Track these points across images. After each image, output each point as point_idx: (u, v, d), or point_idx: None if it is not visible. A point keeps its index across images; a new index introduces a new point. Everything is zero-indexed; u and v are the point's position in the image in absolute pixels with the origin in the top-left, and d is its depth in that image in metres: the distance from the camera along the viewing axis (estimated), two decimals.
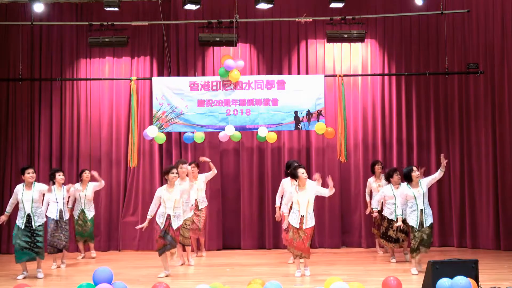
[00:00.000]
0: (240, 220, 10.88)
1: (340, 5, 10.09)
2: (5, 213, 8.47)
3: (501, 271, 8.24)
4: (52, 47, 11.14)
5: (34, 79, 10.93)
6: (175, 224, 8.21)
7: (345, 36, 10.38)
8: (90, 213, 9.95)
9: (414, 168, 8.26)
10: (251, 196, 10.95)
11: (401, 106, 11.05)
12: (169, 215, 8.19)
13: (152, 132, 10.34)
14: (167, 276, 8.22)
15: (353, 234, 10.96)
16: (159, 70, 11.15)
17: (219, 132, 10.50)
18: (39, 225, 8.31)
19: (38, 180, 10.75)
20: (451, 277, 6.27)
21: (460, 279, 6.17)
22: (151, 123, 10.64)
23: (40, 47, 11.12)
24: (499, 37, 10.36)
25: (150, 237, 10.90)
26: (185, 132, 10.60)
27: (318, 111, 10.54)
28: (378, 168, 9.96)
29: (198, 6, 9.94)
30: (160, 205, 8.30)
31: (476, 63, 10.40)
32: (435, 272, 6.40)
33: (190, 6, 9.89)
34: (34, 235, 8.26)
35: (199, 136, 10.47)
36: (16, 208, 8.43)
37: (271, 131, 10.49)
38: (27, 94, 11.04)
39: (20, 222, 8.27)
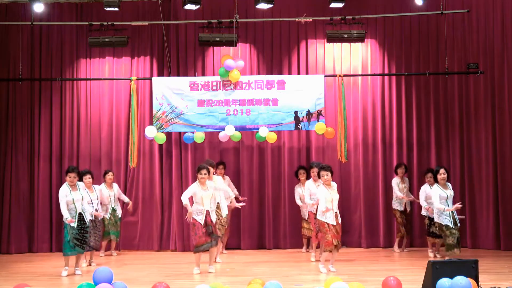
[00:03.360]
0: (240, 220, 10.88)
1: (340, 5, 10.09)
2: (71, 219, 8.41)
3: (501, 271, 8.24)
4: (52, 47, 11.13)
5: (34, 79, 10.93)
6: (214, 218, 8.45)
7: (345, 36, 10.37)
8: (120, 211, 10.19)
9: (441, 170, 8.81)
10: (251, 196, 10.94)
11: (401, 106, 11.05)
12: (208, 211, 8.37)
13: (151, 132, 10.34)
14: (200, 273, 8.40)
15: (353, 234, 10.96)
16: (159, 70, 11.15)
17: (219, 132, 10.50)
18: (90, 221, 8.63)
19: (38, 180, 10.86)
20: (451, 277, 6.26)
21: (460, 279, 6.17)
22: (151, 123, 10.64)
23: (40, 47, 11.11)
24: (499, 37, 10.35)
25: (150, 237, 10.94)
26: (185, 132, 10.60)
27: (318, 111, 10.54)
28: (400, 171, 10.29)
29: (198, 6, 9.94)
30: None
31: (476, 63, 10.39)
32: (435, 272, 6.40)
33: (190, 6, 9.89)
34: (83, 231, 8.45)
35: (199, 136, 10.47)
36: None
37: (271, 131, 10.49)
38: (27, 94, 11.04)
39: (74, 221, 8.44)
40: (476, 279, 6.53)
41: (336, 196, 8.32)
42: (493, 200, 10.29)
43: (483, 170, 10.44)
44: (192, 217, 8.36)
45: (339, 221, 8.37)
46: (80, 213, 8.40)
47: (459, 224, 8.72)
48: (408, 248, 10.39)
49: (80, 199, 8.41)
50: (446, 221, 8.67)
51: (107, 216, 9.83)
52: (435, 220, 8.96)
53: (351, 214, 11.00)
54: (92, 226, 9.03)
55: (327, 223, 8.22)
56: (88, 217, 8.54)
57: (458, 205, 8.75)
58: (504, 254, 9.73)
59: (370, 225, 10.91)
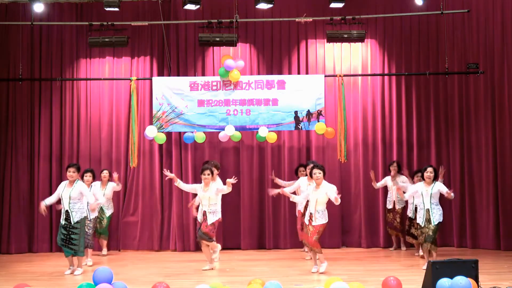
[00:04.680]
0: (240, 220, 10.88)
1: (340, 5, 10.09)
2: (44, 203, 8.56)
3: (501, 271, 8.24)
4: (52, 47, 11.13)
5: (34, 79, 10.93)
6: (211, 220, 8.53)
7: (345, 36, 10.38)
8: (108, 211, 10.15)
9: (428, 169, 8.65)
10: (251, 196, 10.95)
11: (401, 106, 11.05)
12: (205, 212, 8.55)
13: (151, 132, 10.34)
14: (211, 269, 8.59)
15: (353, 234, 10.96)
16: (159, 70, 11.15)
17: (219, 132, 10.50)
18: (76, 221, 8.39)
19: (38, 180, 10.86)
20: (451, 277, 6.27)
21: (460, 279, 6.17)
22: (151, 123, 10.65)
23: (40, 47, 11.11)
24: (499, 37, 10.36)
25: (150, 237, 10.94)
26: (185, 132, 10.61)
27: (318, 111, 10.54)
28: (392, 169, 10.33)
29: (198, 6, 9.94)
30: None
31: (476, 63, 10.39)
32: (435, 272, 6.40)
33: (190, 6, 9.89)
34: (70, 232, 8.36)
35: (200, 136, 10.47)
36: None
37: (271, 131, 10.49)
38: (27, 94, 11.04)
39: (62, 218, 8.44)
40: (476, 279, 6.53)
41: (314, 198, 8.18)
42: (493, 200, 10.29)
43: (483, 170, 10.43)
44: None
45: (314, 223, 8.14)
46: (67, 211, 8.37)
47: (433, 223, 8.45)
48: (408, 248, 10.38)
49: (67, 197, 8.35)
50: (420, 220, 8.63)
51: (96, 214, 9.74)
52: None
53: (351, 214, 11.00)
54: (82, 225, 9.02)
55: (304, 222, 8.37)
56: (76, 217, 8.38)
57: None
58: (504, 254, 9.73)
59: (370, 225, 10.91)
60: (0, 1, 10.64)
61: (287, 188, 9.31)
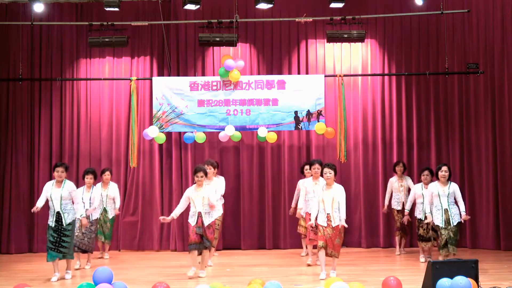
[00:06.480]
0: (240, 220, 10.89)
1: (340, 5, 10.09)
2: (37, 206, 8.13)
3: (501, 271, 8.24)
4: (52, 47, 11.13)
5: (34, 79, 10.93)
6: (207, 221, 8.15)
7: (345, 36, 10.38)
8: (111, 213, 9.87)
9: (443, 168, 8.49)
10: (251, 196, 10.95)
11: (401, 106, 11.06)
12: (200, 213, 8.15)
13: (153, 132, 10.35)
14: (194, 273, 8.19)
15: (353, 234, 10.95)
16: (159, 70, 11.15)
17: (219, 132, 10.50)
18: (69, 223, 8.07)
19: (38, 180, 10.86)
20: (451, 277, 6.27)
21: (460, 279, 6.18)
22: (151, 123, 10.65)
23: (40, 47, 11.12)
24: (499, 37, 10.36)
25: (150, 237, 10.94)
26: (185, 132, 10.61)
27: (318, 111, 10.55)
28: (398, 169, 10.13)
29: (198, 6, 9.94)
30: (189, 204, 8.26)
31: (476, 63, 10.39)
32: (435, 272, 6.40)
33: (190, 6, 9.89)
34: (61, 234, 8.05)
35: (200, 137, 10.48)
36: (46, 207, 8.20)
37: (271, 131, 10.49)
38: (27, 94, 11.04)
39: (50, 220, 8.08)
40: (476, 279, 6.53)
41: (329, 197, 7.93)
42: (493, 200, 10.29)
43: (483, 170, 10.44)
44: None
45: (333, 224, 7.88)
46: (58, 212, 8.04)
47: (453, 224, 8.35)
48: (408, 248, 10.38)
49: (58, 198, 8.02)
50: (438, 221, 8.46)
51: (98, 216, 9.50)
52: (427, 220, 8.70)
53: (351, 214, 10.96)
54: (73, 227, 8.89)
55: (319, 224, 7.99)
56: (68, 219, 8.08)
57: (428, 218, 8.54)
58: (504, 254, 9.74)
59: (370, 225, 10.91)
60: (0, 1, 10.64)
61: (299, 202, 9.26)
